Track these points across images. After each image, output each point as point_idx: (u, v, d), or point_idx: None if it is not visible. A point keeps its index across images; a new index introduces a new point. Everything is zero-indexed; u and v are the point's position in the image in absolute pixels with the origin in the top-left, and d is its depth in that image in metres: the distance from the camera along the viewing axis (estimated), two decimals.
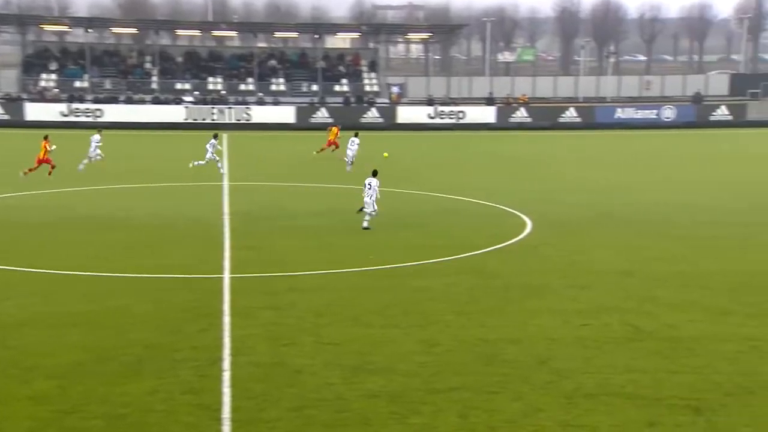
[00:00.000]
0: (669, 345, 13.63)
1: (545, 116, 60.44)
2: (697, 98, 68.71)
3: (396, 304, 15.97)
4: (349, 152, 36.11)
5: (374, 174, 23.57)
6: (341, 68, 68.79)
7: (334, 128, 41.45)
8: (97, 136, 35.69)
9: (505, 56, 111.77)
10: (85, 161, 34.89)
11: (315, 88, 65.70)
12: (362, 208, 23.26)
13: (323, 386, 11.83)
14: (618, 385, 11.93)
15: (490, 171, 37.63)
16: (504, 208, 26.81)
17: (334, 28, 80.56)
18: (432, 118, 59.62)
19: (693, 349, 13.40)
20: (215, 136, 35.80)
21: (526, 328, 14.59)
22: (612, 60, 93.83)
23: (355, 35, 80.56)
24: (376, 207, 23.13)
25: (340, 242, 21.80)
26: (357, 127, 57.56)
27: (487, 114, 61.32)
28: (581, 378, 12.18)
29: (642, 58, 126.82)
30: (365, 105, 62.20)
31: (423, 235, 22.88)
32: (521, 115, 60.37)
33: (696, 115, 59.83)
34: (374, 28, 76.83)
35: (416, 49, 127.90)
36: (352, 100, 63.61)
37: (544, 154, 44.12)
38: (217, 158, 34.90)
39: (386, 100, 65.00)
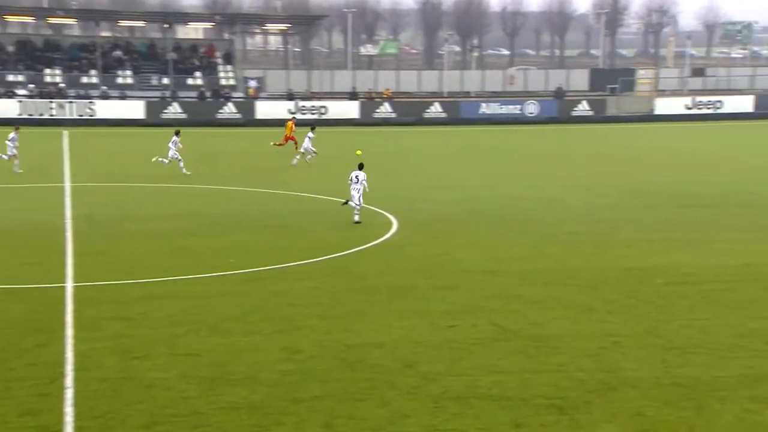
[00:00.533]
0: (534, 344, 14.16)
1: (410, 111, 61.44)
2: (559, 93, 71.67)
3: (257, 310, 15.85)
4: (304, 145, 37.45)
5: (360, 167, 24.80)
6: (194, 60, 67.46)
7: (289, 122, 42.00)
8: None
9: (368, 49, 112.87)
10: None
11: (166, 81, 64.11)
12: (347, 201, 24.33)
13: (178, 400, 11.59)
14: (485, 386, 12.29)
15: (354, 169, 37.81)
16: (369, 207, 27.06)
17: (185, 17, 78.92)
18: (293, 113, 59.46)
19: (557, 348, 13.98)
20: (177, 133, 34.89)
21: (392, 332, 14.80)
22: (475, 54, 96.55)
23: (209, 25, 79.30)
24: (361, 200, 24.23)
25: (195, 246, 21.42)
26: (214, 124, 57.00)
27: (350, 109, 61.72)
28: (448, 381, 12.48)
29: (505, 52, 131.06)
30: (221, 100, 61.29)
31: (285, 236, 22.81)
32: (385, 110, 61.13)
33: (558, 111, 62.36)
34: (229, 17, 75.87)
35: (275, 41, 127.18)
36: (208, 94, 62.53)
37: (410, 151, 44.84)
38: (179, 157, 33.78)
39: (243, 95, 64.27)
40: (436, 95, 76.86)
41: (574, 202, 28.51)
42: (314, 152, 37.79)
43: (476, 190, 31.00)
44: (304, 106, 60.39)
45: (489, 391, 12.11)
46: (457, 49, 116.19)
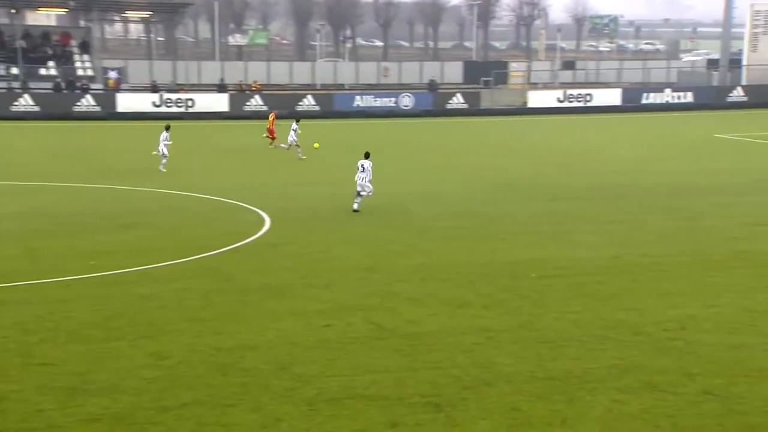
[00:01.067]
0: (410, 342, 14.37)
1: (282, 104, 61.06)
2: (433, 86, 72.84)
3: (120, 315, 15.45)
4: (290, 139, 38.11)
5: (367, 156, 25.99)
6: (47, 49, 64.86)
7: (271, 114, 42.86)
8: None
9: (236, 39, 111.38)
10: None
11: (15, 71, 61.38)
12: (358, 192, 25.50)
13: (33, 414, 11.18)
14: (361, 386, 12.39)
15: (224, 164, 37.42)
16: (240, 203, 26.79)
17: (35, 2, 75.60)
18: (157, 106, 58.10)
19: (433, 344, 14.24)
20: (167, 128, 34.33)
21: (266, 333, 14.72)
22: (349, 45, 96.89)
23: (62, 11, 76.22)
24: (372, 187, 25.49)
25: (49, 248, 20.66)
26: (71, 117, 55.02)
27: (219, 102, 60.84)
28: (323, 382, 12.51)
29: (379, 43, 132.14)
30: (78, 92, 59.21)
31: (148, 236, 22.30)
32: (256, 103, 60.55)
33: (433, 103, 63.37)
34: (84, 3, 73.00)
35: (136, 30, 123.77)
36: (63, 85, 60.28)
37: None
38: (166, 153, 33.46)
39: (103, 86, 62.31)
40: (309, 87, 76.74)
41: (449, 196, 29.05)
42: (294, 145, 37.99)
43: (352, 186, 31.08)
44: (169, 99, 59.10)
45: (365, 391, 12.21)
46: (329, 41, 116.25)
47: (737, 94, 65.09)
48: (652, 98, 64.86)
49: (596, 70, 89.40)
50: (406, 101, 62.63)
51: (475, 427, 11.21)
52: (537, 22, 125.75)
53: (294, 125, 38.71)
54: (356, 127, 54.58)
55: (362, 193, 25.52)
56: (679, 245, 21.38)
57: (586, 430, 11.17)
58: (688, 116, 58.90)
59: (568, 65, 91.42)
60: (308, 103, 61.66)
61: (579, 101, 64.54)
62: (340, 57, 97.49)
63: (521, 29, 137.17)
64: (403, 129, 54.11)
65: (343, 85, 79.97)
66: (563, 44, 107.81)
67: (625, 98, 64.91)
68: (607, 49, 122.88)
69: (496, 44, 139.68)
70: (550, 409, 11.75)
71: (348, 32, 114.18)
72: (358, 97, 63.52)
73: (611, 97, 65.41)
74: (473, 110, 62.73)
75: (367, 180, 25.47)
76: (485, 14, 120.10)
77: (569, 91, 66.39)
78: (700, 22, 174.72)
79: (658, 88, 68.43)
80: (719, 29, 78.79)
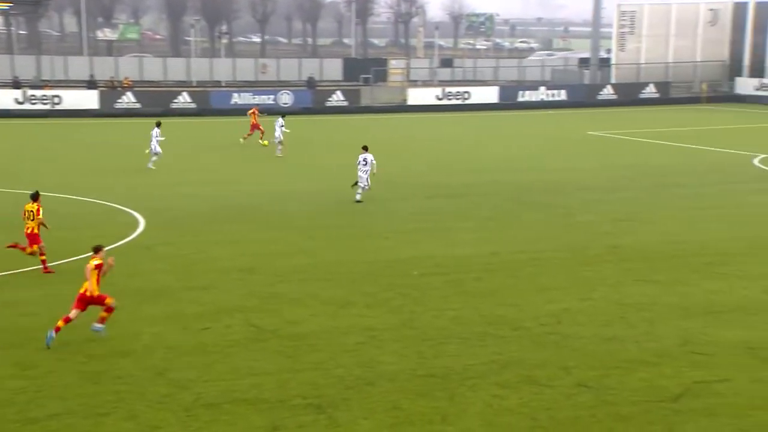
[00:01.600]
0: (292, 343, 14.33)
1: (156, 102, 59.71)
2: (311, 83, 72.68)
3: None
4: (277, 135, 38.14)
5: (366, 149, 27.31)
6: None
7: (252, 110, 43.29)
8: None
9: (106, 34, 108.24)
10: None
11: None
12: (357, 182, 26.84)
13: None
14: (241, 390, 12.27)
15: (95, 164, 36.32)
16: (112, 205, 26.08)
17: None
18: (20, 103, 55.86)
19: (315, 345, 14.24)
20: (158, 125, 34.59)
21: (141, 338, 14.39)
22: (225, 41, 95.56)
23: None
24: (369, 182, 26.88)
25: None
26: None
27: (88, 99, 58.93)
28: (202, 387, 12.33)
29: (256, 39, 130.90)
30: None
31: (14, 240, 21.39)
32: (128, 100, 58.98)
33: (313, 101, 63.22)
34: None
35: None
36: None
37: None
38: (159, 151, 33.69)
39: None
40: (184, 84, 75.27)
41: (330, 195, 29.03)
42: (278, 142, 38.13)
43: (231, 185, 30.75)
44: (33, 96, 56.89)
45: (245, 395, 12.10)
46: (205, 36, 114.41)
47: (607, 92, 67.58)
48: (527, 96, 66.65)
49: (474, 68, 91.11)
50: (285, 98, 62.25)
51: (356, 427, 11.28)
52: (415, 20, 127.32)
53: (280, 121, 38.79)
54: (234, 126, 53.86)
55: (360, 185, 26.89)
56: (555, 241, 22.07)
57: (466, 425, 11.40)
58: (562, 114, 60.79)
59: (447, 63, 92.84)
60: (183, 100, 60.49)
61: (457, 99, 65.65)
62: (215, 54, 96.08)
63: (400, 27, 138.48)
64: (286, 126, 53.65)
65: (219, 82, 78.81)
66: (441, 42, 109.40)
67: (502, 96, 66.44)
68: (484, 47, 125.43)
69: (375, 41, 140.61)
70: (431, 406, 11.93)
71: (224, 28, 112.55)
72: (235, 95, 62.72)
73: (488, 94, 66.79)
74: (353, 108, 62.89)
75: (368, 173, 26.86)
76: (363, 11, 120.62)
77: (448, 89, 67.40)
78: (571, 21, 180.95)
79: (533, 86, 70.32)
80: (589, 29, 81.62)
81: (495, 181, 31.75)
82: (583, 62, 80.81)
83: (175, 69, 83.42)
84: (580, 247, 21.35)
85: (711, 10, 70.72)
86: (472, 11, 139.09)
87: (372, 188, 29.27)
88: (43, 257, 18.46)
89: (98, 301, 14.04)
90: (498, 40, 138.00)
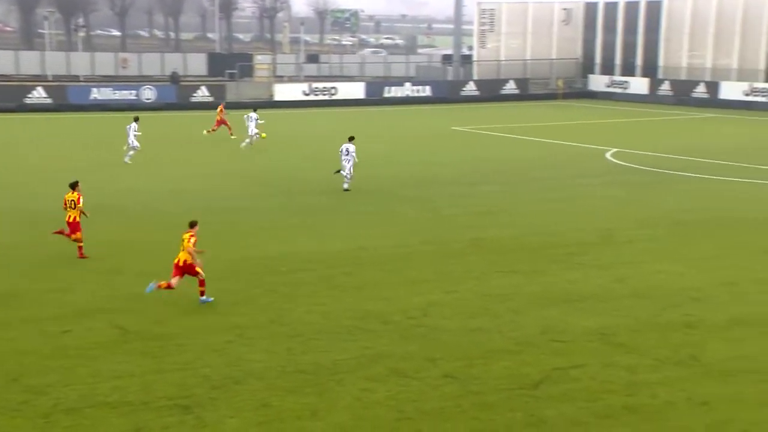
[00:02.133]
0: (158, 343, 14.00)
1: (8, 96, 57.22)
2: (175, 78, 71.14)
3: None
4: (251, 131, 38.87)
5: (351, 139, 28.57)
6: None
7: (220, 106, 44.19)
8: None
9: None
10: None
11: None
12: (339, 170, 28.25)
13: None
14: (103, 394, 11.91)
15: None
16: None
17: None
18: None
19: (182, 345, 13.96)
20: (136, 119, 35.27)
21: None
22: (82, 34, 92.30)
23: None
24: (351, 171, 28.12)
25: None
26: None
27: None
28: (62, 392, 11.91)
29: (116, 33, 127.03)
30: None
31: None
32: None
33: (177, 96, 61.87)
34: None
35: None
36: None
37: (8, 142, 41.87)
38: (137, 146, 34.17)
39: None
40: (38, 78, 72.32)
41: (197, 192, 28.50)
42: (255, 136, 38.80)
43: (93, 183, 29.68)
44: None
45: (107, 399, 11.76)
46: (60, 29, 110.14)
47: (470, 89, 69.05)
48: (393, 92, 67.35)
49: (340, 64, 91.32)
50: (148, 94, 60.72)
51: (224, 427, 11.13)
52: (280, 15, 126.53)
53: (254, 114, 39.56)
54: (94, 121, 52.16)
55: (343, 174, 28.15)
56: (422, 235, 22.38)
57: (336, 420, 11.43)
58: (427, 109, 61.72)
59: (313, 59, 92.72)
60: (38, 95, 58.12)
61: (324, 94, 65.66)
62: (72, 47, 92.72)
63: (265, 22, 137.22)
64: (145, 123, 52.31)
65: (77, 76, 76.10)
66: (307, 38, 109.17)
67: (368, 92, 66.88)
68: (350, 42, 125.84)
69: (241, 36, 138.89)
70: (301, 402, 11.91)
71: (81, 20, 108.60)
72: (94, 90, 60.70)
73: (355, 90, 67.07)
74: (219, 102, 61.94)
75: (351, 163, 28.05)
76: (227, 5, 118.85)
77: (314, 85, 67.31)
78: (434, 18, 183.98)
79: (399, 81, 71.07)
80: (452, 26, 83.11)
81: (367, 175, 31.91)
82: (447, 59, 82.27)
83: (29, 62, 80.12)
84: (446, 241, 21.73)
85: (564, 9, 73.28)
86: (337, 7, 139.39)
87: (240, 186, 28.97)
88: (81, 244, 19.55)
89: (190, 269, 16.06)
90: (363, 36, 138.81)
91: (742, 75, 61.50)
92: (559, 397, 12.19)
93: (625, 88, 67.98)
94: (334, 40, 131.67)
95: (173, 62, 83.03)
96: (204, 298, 16.27)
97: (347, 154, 28.22)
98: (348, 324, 15.27)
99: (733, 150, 38.35)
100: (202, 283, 16.22)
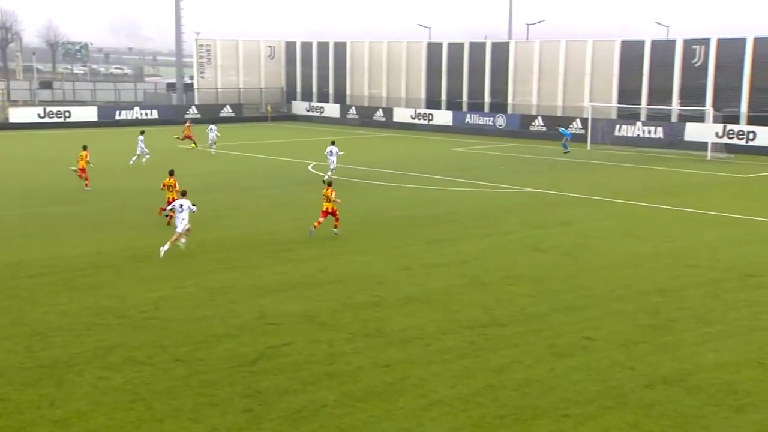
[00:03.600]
0: None
1: None
2: None
3: None
4: (210, 139, 41.86)
5: (333, 143, 32.29)
6: None
7: (186, 125, 44.92)
8: None
9: None
10: None
11: None
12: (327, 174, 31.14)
13: None
14: None
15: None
16: None
17: None
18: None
19: None
20: (142, 133, 36.45)
21: None
22: None
23: None
24: (335, 165, 31.73)
25: None
26: None
27: None
28: None
29: None
30: None
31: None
32: None
33: None
34: None
35: None
36: None
37: None
38: (147, 154, 34.79)
39: None
40: None
41: None
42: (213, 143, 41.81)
43: None
44: None
45: None
46: None
47: (193, 112, 67.36)
48: (124, 115, 64.28)
49: (73, 90, 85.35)
50: None
51: None
52: (12, 45, 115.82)
53: (213, 126, 43.06)
54: None
55: (331, 166, 31.76)
56: (154, 238, 21.36)
57: (74, 407, 10.69)
58: (156, 130, 59.30)
59: (46, 85, 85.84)
60: None
61: (59, 117, 61.31)
62: None
63: None
64: None
65: None
66: (40, 66, 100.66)
67: (100, 114, 63.36)
68: (82, 71, 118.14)
69: None
70: (39, 394, 11.01)
71: None
72: None
73: (88, 113, 63.29)
74: None
75: (335, 156, 31.81)
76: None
77: (49, 108, 62.52)
78: (159, 51, 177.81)
79: (129, 106, 67.88)
80: (174, 58, 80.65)
81: (106, 188, 30.17)
82: (171, 86, 79.72)
83: None
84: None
85: (269, 46, 74.11)
86: (67, 39, 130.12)
87: None
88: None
89: (333, 213, 21.59)
90: (94, 66, 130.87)
91: (409, 103, 65.61)
92: (272, 370, 12.26)
93: (321, 112, 69.82)
94: (67, 68, 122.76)
95: None
96: (336, 230, 21.63)
97: (331, 155, 31.80)
98: (85, 320, 14.33)
99: (402, 162, 40.70)
100: (337, 219, 21.67)
